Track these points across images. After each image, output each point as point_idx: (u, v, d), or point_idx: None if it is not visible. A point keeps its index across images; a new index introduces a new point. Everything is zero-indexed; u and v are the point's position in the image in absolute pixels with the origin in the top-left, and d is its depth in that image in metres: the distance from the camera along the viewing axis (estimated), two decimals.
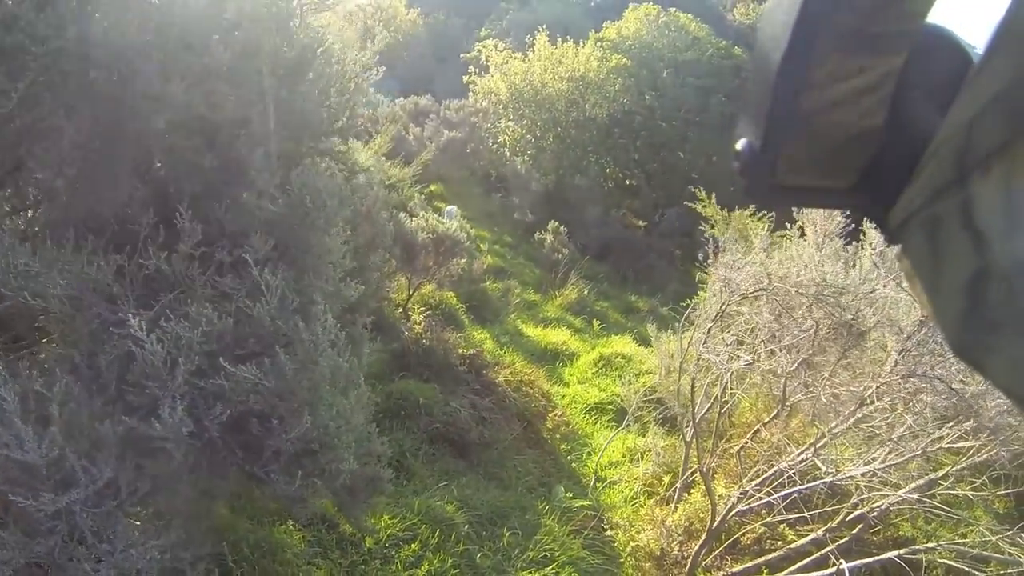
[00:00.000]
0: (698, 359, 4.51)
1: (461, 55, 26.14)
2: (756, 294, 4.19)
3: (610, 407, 8.22)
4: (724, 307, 4.27)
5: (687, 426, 5.47)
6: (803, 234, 5.14)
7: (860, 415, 4.09)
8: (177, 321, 2.14)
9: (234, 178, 2.49)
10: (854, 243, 4.78)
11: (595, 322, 12.04)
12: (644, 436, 7.16)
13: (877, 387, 4.04)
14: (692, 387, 4.59)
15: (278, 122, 2.57)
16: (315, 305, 2.37)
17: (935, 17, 0.50)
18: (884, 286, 4.15)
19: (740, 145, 0.56)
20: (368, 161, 4.70)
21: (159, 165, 2.58)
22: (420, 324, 7.14)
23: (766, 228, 6.35)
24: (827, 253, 4.38)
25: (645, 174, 19.09)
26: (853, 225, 4.86)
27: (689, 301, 5.93)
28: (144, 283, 2.32)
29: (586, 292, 13.21)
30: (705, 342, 4.41)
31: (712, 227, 12.58)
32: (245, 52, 2.49)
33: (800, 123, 0.51)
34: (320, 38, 2.85)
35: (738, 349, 4.46)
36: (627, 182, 19.36)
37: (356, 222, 3.83)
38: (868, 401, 4.06)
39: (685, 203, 13.56)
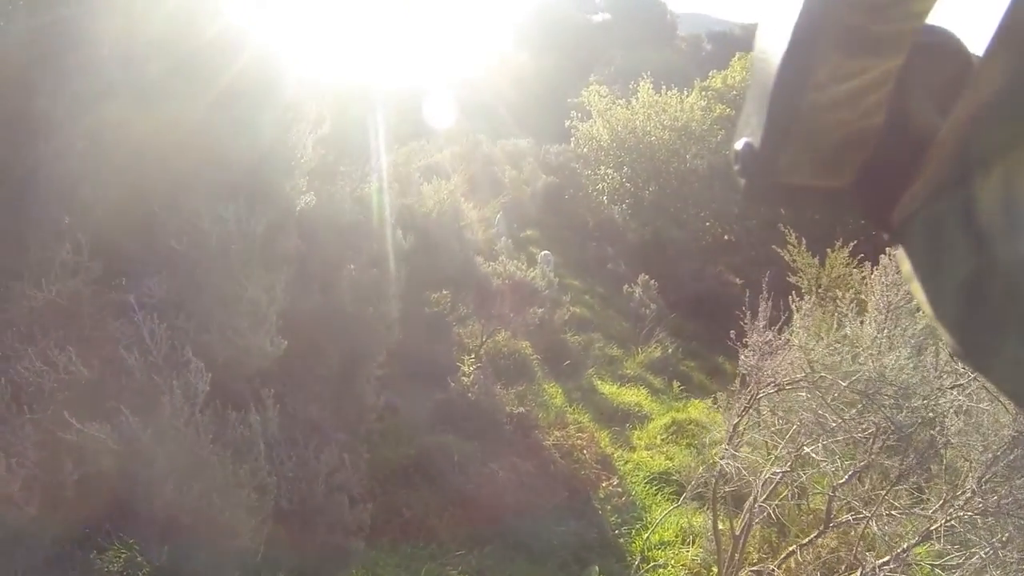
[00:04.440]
0: (718, 466, 3.95)
1: (568, 99, 26.23)
2: (793, 387, 3.64)
3: (675, 478, 7.68)
4: (751, 403, 3.76)
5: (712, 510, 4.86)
6: (862, 310, 4.48)
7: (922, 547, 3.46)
8: (32, 363, 2.05)
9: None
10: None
11: (675, 383, 11.41)
12: (702, 515, 6.58)
13: (945, 521, 3.37)
14: (713, 489, 4.03)
15: None
16: (190, 363, 2.22)
17: (935, 18, 0.51)
18: (963, 386, 3.51)
19: (739, 145, 0.55)
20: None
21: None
22: (469, 376, 6.94)
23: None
24: (891, 334, 3.74)
25: (745, 230, 18.28)
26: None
27: None
28: (51, 314, 2.23)
29: (670, 350, 12.58)
30: (728, 443, 3.87)
31: (798, 276, 11.42)
32: None
33: (800, 123, 0.51)
34: None
35: (772, 451, 3.87)
36: (726, 237, 18.59)
37: (355, 271, 3.71)
38: (934, 537, 3.40)
39: (779, 249, 12.52)
